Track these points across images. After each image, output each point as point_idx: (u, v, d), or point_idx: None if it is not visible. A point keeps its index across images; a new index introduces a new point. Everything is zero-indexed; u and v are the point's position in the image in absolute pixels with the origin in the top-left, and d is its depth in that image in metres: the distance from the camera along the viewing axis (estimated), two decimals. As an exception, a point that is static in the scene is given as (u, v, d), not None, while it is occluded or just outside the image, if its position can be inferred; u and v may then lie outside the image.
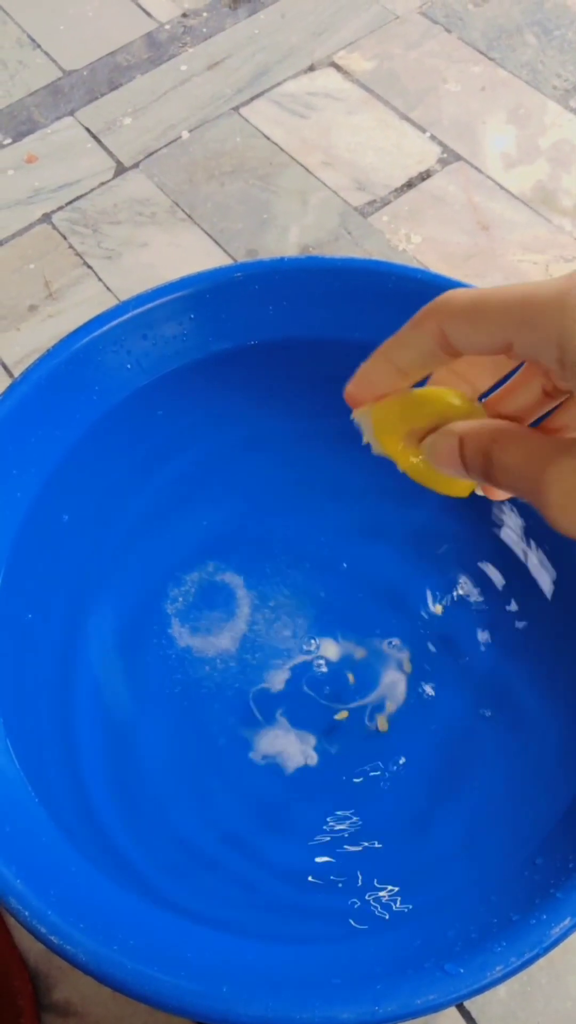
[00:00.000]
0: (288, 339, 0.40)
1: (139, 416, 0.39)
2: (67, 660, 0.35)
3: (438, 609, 0.37)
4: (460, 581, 0.37)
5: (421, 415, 0.22)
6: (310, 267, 0.39)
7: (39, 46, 0.65)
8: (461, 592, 0.37)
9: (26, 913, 0.27)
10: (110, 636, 0.36)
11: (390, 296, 0.38)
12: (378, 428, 0.23)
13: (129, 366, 0.39)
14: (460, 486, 0.23)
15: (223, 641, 0.38)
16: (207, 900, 0.30)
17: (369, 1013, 0.25)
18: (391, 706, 0.36)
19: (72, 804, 0.32)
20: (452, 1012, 0.33)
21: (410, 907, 0.30)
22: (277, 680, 0.37)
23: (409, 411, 0.22)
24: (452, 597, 0.37)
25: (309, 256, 0.38)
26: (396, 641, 0.37)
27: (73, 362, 0.37)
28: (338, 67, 0.62)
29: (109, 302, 0.52)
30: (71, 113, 0.61)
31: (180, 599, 0.38)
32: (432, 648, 0.37)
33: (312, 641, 0.38)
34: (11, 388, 0.36)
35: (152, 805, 0.33)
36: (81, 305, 0.52)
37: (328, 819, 0.33)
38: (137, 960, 0.26)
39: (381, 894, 0.31)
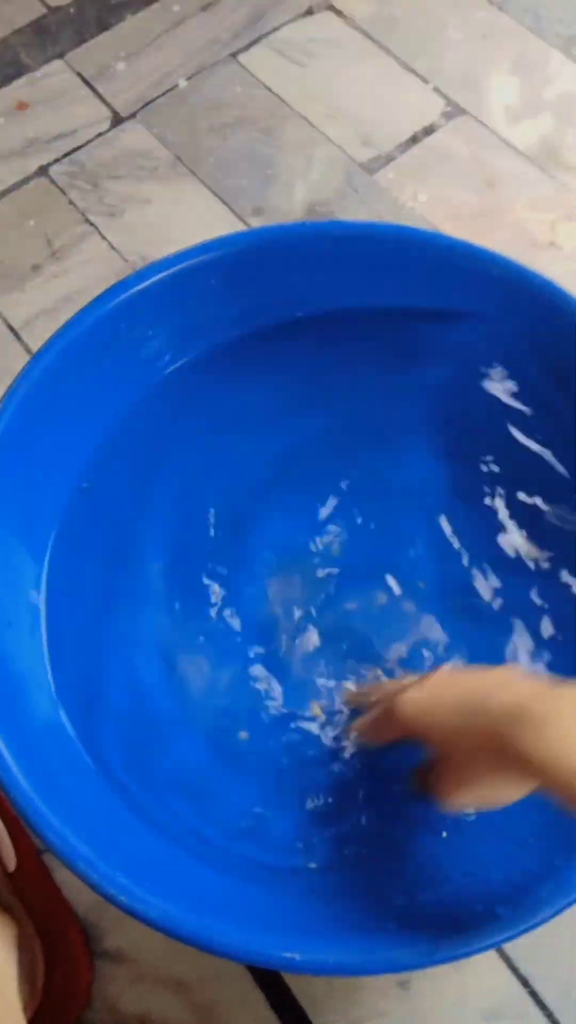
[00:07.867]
0: (328, 311, 0.39)
1: (165, 406, 0.38)
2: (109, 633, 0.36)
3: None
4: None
5: None
6: (324, 233, 0.37)
7: (21, -20, 0.61)
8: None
9: (95, 876, 0.28)
10: (152, 607, 0.37)
11: (414, 262, 0.38)
12: None
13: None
14: None
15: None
16: (257, 852, 0.32)
17: (427, 955, 0.27)
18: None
19: (121, 761, 0.33)
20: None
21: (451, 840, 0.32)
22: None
23: None
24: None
25: (330, 221, 0.38)
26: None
27: (84, 347, 0.34)
28: (337, 11, 0.60)
29: (115, 261, 0.51)
30: (61, 56, 0.58)
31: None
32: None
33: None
34: (30, 365, 0.34)
35: (198, 766, 0.35)
36: (86, 265, 0.51)
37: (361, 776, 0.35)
38: (206, 916, 0.28)
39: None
